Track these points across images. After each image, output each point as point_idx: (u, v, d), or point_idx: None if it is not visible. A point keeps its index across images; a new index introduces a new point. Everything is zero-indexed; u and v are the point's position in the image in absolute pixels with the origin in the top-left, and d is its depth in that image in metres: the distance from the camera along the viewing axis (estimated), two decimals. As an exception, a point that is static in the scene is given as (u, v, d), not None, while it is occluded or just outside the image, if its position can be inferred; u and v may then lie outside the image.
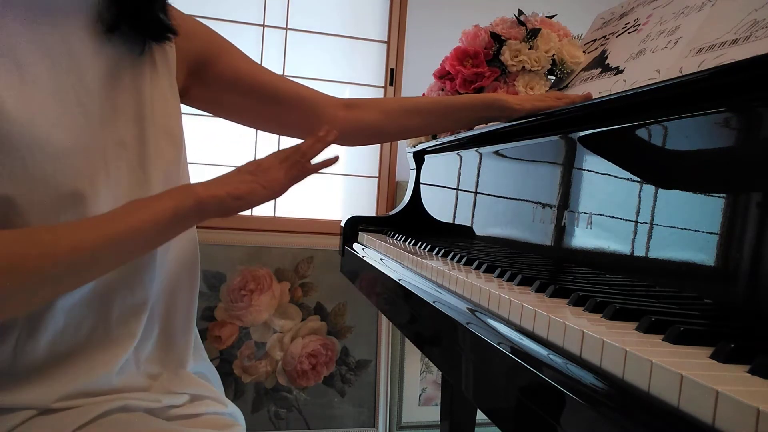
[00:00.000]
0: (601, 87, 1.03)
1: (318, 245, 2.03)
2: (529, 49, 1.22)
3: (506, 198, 1.03)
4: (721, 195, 0.57)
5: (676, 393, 0.34)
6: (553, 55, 1.21)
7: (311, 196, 2.14)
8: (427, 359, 2.09)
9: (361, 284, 1.24)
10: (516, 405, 0.51)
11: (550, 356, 0.47)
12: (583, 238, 0.78)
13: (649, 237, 0.66)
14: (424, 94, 1.43)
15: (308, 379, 2.00)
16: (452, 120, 1.07)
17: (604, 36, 1.20)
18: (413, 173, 1.50)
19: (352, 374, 2.05)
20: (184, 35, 0.74)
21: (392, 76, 2.19)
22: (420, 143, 1.44)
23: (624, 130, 0.74)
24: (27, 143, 0.55)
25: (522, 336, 0.52)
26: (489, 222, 1.10)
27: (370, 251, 1.20)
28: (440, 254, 0.96)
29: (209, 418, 0.73)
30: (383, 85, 2.22)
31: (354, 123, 0.95)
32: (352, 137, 0.98)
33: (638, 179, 0.70)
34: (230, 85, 0.84)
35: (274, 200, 1.73)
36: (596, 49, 1.19)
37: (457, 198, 1.25)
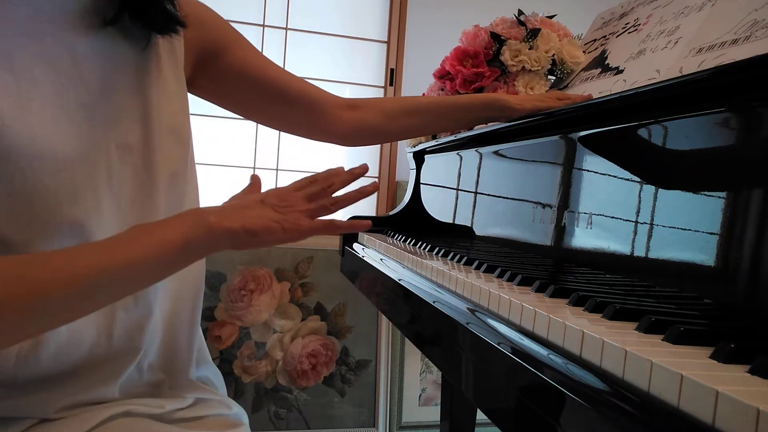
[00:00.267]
0: (601, 87, 1.03)
1: (318, 245, 2.03)
2: (529, 49, 1.22)
3: (506, 198, 1.03)
4: (721, 195, 0.57)
5: (676, 393, 0.34)
6: (553, 55, 1.21)
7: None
8: (427, 359, 2.09)
9: (361, 284, 1.24)
10: (516, 405, 0.51)
11: (550, 356, 0.47)
12: (583, 238, 0.78)
13: (649, 237, 0.66)
14: (424, 94, 1.43)
15: (308, 379, 2.00)
16: (453, 120, 1.07)
17: (604, 36, 1.20)
18: (413, 173, 1.50)
19: (352, 374, 2.05)
20: (192, 24, 0.69)
21: (392, 76, 2.19)
22: (420, 143, 1.44)
23: (624, 130, 0.74)
24: (25, 155, 0.52)
25: (522, 336, 0.52)
26: (489, 222, 1.10)
27: (370, 251, 1.20)
28: (440, 254, 0.96)
29: (213, 420, 0.72)
30: (383, 85, 2.22)
31: (356, 124, 0.95)
32: (353, 138, 0.98)
33: (638, 179, 0.70)
34: (238, 78, 0.81)
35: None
36: (596, 49, 1.19)
37: (457, 198, 1.25)
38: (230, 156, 2.11)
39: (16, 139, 0.52)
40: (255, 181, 0.74)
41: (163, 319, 0.70)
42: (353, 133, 0.96)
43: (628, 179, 0.72)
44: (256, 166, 2.14)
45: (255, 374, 1.96)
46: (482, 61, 1.25)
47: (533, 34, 1.23)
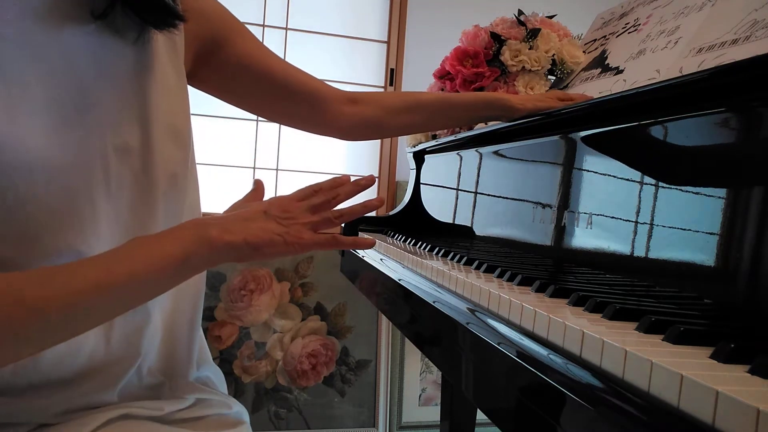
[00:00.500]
0: (601, 87, 1.03)
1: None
2: (529, 49, 1.23)
3: (506, 198, 1.03)
4: (721, 195, 0.57)
5: (676, 393, 0.34)
6: (553, 55, 1.21)
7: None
8: (427, 359, 2.09)
9: (361, 284, 1.24)
10: (516, 405, 0.51)
11: (550, 356, 0.47)
12: (583, 238, 0.78)
13: (649, 237, 0.66)
14: (424, 94, 1.43)
15: (308, 379, 2.00)
16: (453, 118, 1.06)
17: (604, 36, 1.20)
18: (413, 173, 1.50)
19: (352, 374, 2.05)
20: (193, 16, 0.66)
21: (392, 76, 2.19)
22: (420, 143, 1.44)
23: (624, 130, 0.74)
24: (17, 167, 0.50)
25: (522, 336, 0.52)
26: (489, 222, 1.10)
27: (370, 251, 1.20)
28: (440, 254, 0.96)
29: (213, 420, 0.72)
30: (383, 85, 2.22)
31: (356, 118, 0.94)
32: (353, 132, 0.97)
33: (638, 179, 0.70)
34: (240, 69, 0.79)
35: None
36: (596, 49, 1.19)
37: (457, 198, 1.25)
38: (230, 156, 2.11)
39: (6, 153, 0.49)
40: (258, 186, 0.73)
41: (163, 322, 0.69)
42: (353, 127, 0.95)
43: (628, 179, 0.72)
44: (256, 166, 2.14)
45: (255, 374, 1.96)
46: (482, 61, 1.25)
47: (533, 34, 1.23)
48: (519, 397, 0.50)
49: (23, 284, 0.47)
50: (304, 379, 2.00)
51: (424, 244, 1.08)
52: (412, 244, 1.14)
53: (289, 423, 1.98)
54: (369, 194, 2.30)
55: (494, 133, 1.09)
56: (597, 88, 1.05)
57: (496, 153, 1.10)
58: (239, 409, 0.77)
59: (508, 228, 1.01)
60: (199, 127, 2.01)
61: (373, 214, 2.16)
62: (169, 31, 0.61)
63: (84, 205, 0.55)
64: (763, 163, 0.54)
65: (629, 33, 1.09)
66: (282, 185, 2.17)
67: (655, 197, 0.66)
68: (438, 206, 1.37)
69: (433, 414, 2.08)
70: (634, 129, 0.72)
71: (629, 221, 0.69)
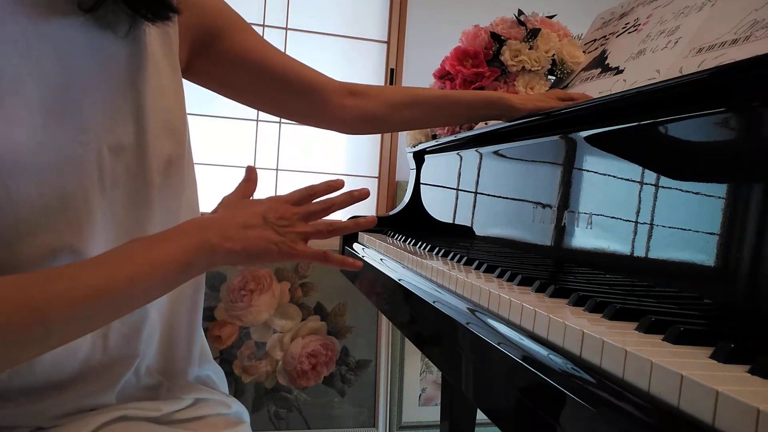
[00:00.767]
0: (601, 87, 1.03)
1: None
2: (529, 49, 1.23)
3: (506, 198, 1.03)
4: (721, 195, 0.57)
5: (676, 393, 0.34)
6: (553, 55, 1.21)
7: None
8: (427, 359, 2.09)
9: (361, 284, 1.24)
10: (516, 405, 0.51)
11: (550, 356, 0.47)
12: (583, 238, 0.78)
13: (649, 237, 0.66)
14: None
15: (308, 379, 2.00)
16: (454, 115, 1.06)
17: (604, 36, 1.20)
18: (413, 173, 1.50)
19: (352, 374, 2.05)
20: (187, 8, 0.65)
21: (392, 76, 2.19)
22: (420, 143, 1.44)
23: (624, 130, 0.74)
24: (9, 167, 0.49)
25: (522, 336, 0.52)
26: (489, 222, 1.10)
27: (370, 251, 1.20)
28: (440, 254, 0.96)
29: (213, 420, 0.71)
30: (383, 85, 2.22)
31: (357, 112, 0.93)
32: (353, 126, 0.97)
33: (638, 179, 0.70)
34: (237, 62, 0.78)
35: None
36: (596, 49, 1.19)
37: (457, 198, 1.25)
38: (230, 156, 2.11)
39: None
40: (251, 175, 0.72)
41: (162, 322, 0.68)
42: (354, 120, 0.94)
43: (628, 179, 0.72)
44: (256, 166, 2.14)
45: (255, 374, 1.96)
46: (482, 61, 1.25)
47: (533, 34, 1.23)
48: (519, 397, 0.50)
49: (24, 287, 0.47)
50: (304, 379, 2.00)
51: (424, 244, 1.08)
52: (412, 244, 1.14)
53: (289, 423, 1.98)
54: (370, 195, 2.30)
55: (494, 133, 1.09)
56: (597, 88, 1.05)
57: (496, 153, 1.10)
58: (239, 409, 0.76)
59: (508, 228, 1.01)
60: (199, 127, 2.01)
61: (373, 214, 2.16)
62: (164, 23, 0.60)
63: (79, 204, 0.55)
64: (763, 163, 0.54)
65: (629, 33, 1.09)
66: (282, 185, 2.17)
67: (655, 197, 0.66)
68: (438, 206, 1.37)
69: (433, 414, 2.08)
70: (634, 129, 0.72)
71: (629, 221, 0.69)
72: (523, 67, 1.22)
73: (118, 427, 0.63)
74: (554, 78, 1.26)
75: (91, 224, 0.56)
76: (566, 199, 0.83)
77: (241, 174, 0.73)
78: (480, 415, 1.57)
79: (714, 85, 0.60)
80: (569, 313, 0.52)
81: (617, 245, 0.71)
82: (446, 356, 0.72)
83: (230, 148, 2.11)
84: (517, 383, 0.50)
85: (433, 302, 0.73)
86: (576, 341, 0.45)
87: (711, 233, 0.57)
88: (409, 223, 1.44)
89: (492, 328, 0.57)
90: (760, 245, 0.52)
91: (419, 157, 1.48)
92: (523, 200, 0.96)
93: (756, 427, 0.29)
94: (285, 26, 2.13)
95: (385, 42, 2.21)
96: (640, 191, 0.68)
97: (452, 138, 1.26)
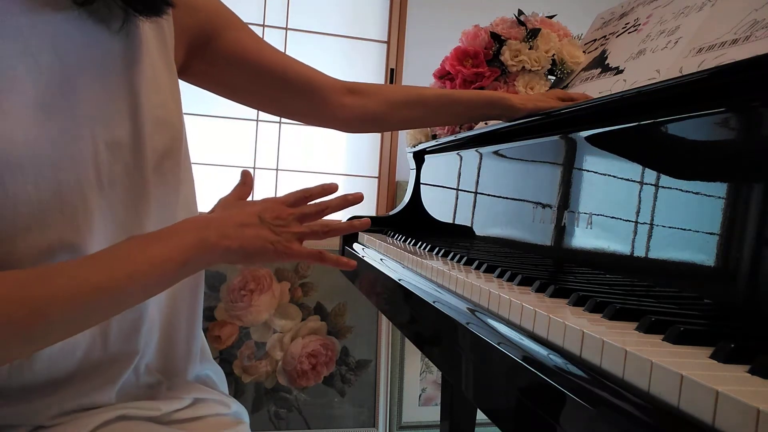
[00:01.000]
0: (601, 87, 1.03)
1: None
2: (529, 49, 1.23)
3: (506, 198, 1.03)
4: (721, 195, 0.57)
5: (676, 393, 0.34)
6: (553, 55, 1.21)
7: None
8: (427, 359, 2.09)
9: (361, 284, 1.24)
10: (516, 405, 0.51)
11: (550, 356, 0.47)
12: (583, 238, 0.78)
13: (649, 237, 0.66)
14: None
15: (308, 379, 2.00)
16: (454, 115, 1.06)
17: (604, 36, 1.20)
18: (413, 173, 1.50)
19: (352, 374, 2.05)
20: (185, 6, 0.66)
21: (392, 76, 2.19)
22: (420, 143, 1.44)
23: (624, 130, 0.74)
24: (6, 161, 0.49)
25: (522, 336, 0.52)
26: (489, 222, 1.10)
27: (370, 251, 1.20)
28: (440, 254, 0.96)
29: (212, 420, 0.71)
30: (383, 84, 2.22)
31: (357, 110, 0.93)
32: (353, 124, 0.96)
33: (638, 179, 0.70)
34: (234, 62, 0.78)
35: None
36: (596, 49, 1.19)
37: (457, 198, 1.25)
38: (230, 156, 2.11)
39: None
40: (246, 179, 0.73)
41: (161, 319, 0.69)
42: (354, 119, 0.94)
43: (628, 179, 0.72)
44: (256, 166, 2.14)
45: (255, 374, 1.96)
46: (482, 61, 1.25)
47: (533, 34, 1.23)
48: (519, 397, 0.50)
49: (25, 283, 0.47)
50: (304, 379, 2.00)
51: (424, 244, 1.08)
52: (412, 244, 1.14)
53: (289, 423, 1.98)
54: (369, 194, 2.30)
55: (494, 133, 1.09)
56: (597, 88, 1.05)
57: (496, 153, 1.10)
58: (238, 409, 0.76)
59: (508, 228, 1.01)
60: (199, 127, 2.01)
61: (373, 214, 2.16)
62: (158, 15, 0.60)
63: (76, 200, 0.55)
64: (763, 162, 0.54)
65: (629, 33, 1.09)
66: (282, 185, 2.17)
67: (655, 197, 0.66)
68: (438, 206, 1.37)
69: (433, 414, 2.08)
70: (634, 129, 0.72)
71: (629, 221, 0.69)
72: (523, 67, 1.22)
73: (117, 427, 0.63)
74: (554, 78, 1.26)
75: (89, 220, 0.56)
76: (566, 199, 0.83)
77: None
78: (480, 415, 1.57)
79: (714, 85, 0.60)
80: (569, 313, 0.52)
81: (617, 245, 0.71)
82: (446, 356, 0.72)
83: (230, 148, 2.11)
84: (517, 383, 0.50)
85: (433, 302, 0.73)
86: (576, 341, 0.45)
87: (711, 233, 0.57)
88: (409, 223, 1.44)
89: (492, 328, 0.57)
90: (760, 245, 0.52)
91: (419, 157, 1.48)
92: (523, 200, 0.96)
93: (756, 427, 0.29)
94: (285, 26, 2.13)
95: (385, 42, 2.21)
96: (640, 191, 0.68)
97: (452, 138, 1.26)
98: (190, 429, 0.69)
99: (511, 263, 0.84)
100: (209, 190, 1.88)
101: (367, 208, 2.22)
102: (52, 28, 0.54)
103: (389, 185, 2.22)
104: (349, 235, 1.39)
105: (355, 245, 1.34)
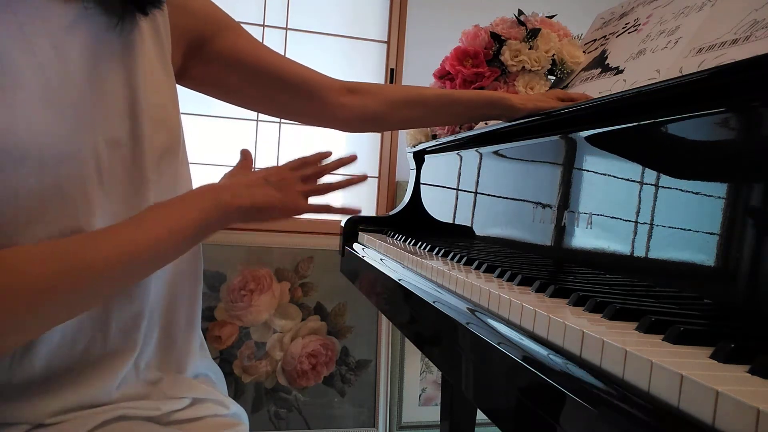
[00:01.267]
0: (601, 87, 1.03)
1: (318, 245, 2.03)
2: (529, 49, 1.23)
3: (506, 198, 1.03)
4: (721, 195, 0.57)
5: (676, 393, 0.34)
6: (553, 55, 1.21)
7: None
8: (427, 359, 2.09)
9: (361, 284, 1.24)
10: (516, 405, 0.51)
11: (550, 356, 0.47)
12: (583, 238, 0.78)
13: (649, 237, 0.66)
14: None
15: (308, 379, 2.00)
16: (454, 114, 1.05)
17: (604, 36, 1.20)
18: (413, 173, 1.50)
19: (352, 374, 2.05)
20: (181, 9, 0.68)
21: (392, 76, 2.19)
22: (420, 143, 1.44)
23: (624, 130, 0.74)
24: (11, 153, 0.50)
25: (522, 336, 0.52)
26: (489, 222, 1.10)
27: (370, 251, 1.20)
28: (440, 254, 0.96)
29: (211, 421, 0.71)
30: (383, 83, 2.22)
31: (356, 110, 0.93)
32: (353, 124, 0.96)
33: (638, 179, 0.70)
34: (230, 64, 0.79)
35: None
36: (596, 49, 1.19)
37: (457, 198, 1.25)
38: (230, 156, 2.11)
39: (1, 139, 0.50)
40: (246, 155, 0.79)
41: (160, 314, 0.69)
42: (354, 119, 0.94)
43: (628, 179, 0.72)
44: (256, 167, 2.14)
45: (255, 374, 1.96)
46: (482, 61, 1.25)
47: (533, 34, 1.23)
48: (519, 397, 0.50)
49: (53, 251, 0.51)
50: (304, 379, 2.00)
51: (424, 244, 1.08)
52: (412, 244, 1.14)
53: (289, 423, 1.98)
54: (369, 194, 2.30)
55: (494, 133, 1.09)
56: (597, 88, 1.05)
57: (496, 153, 1.10)
58: (237, 410, 0.76)
59: (508, 228, 1.01)
60: (199, 127, 2.01)
61: (373, 214, 2.16)
62: (155, 15, 0.64)
63: (77, 196, 0.56)
64: (763, 162, 0.54)
65: (629, 33, 1.09)
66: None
67: (655, 197, 0.66)
68: (438, 206, 1.37)
69: (433, 414, 2.08)
70: (634, 129, 0.72)
71: (629, 221, 0.69)
72: (523, 67, 1.22)
73: (117, 427, 0.63)
74: (554, 78, 1.26)
75: (90, 216, 0.58)
76: (566, 199, 0.83)
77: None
78: (480, 415, 1.57)
79: (714, 85, 0.60)
80: (569, 313, 0.52)
81: (617, 245, 0.71)
82: (446, 356, 0.72)
83: (230, 148, 2.11)
84: (517, 383, 0.50)
85: (433, 302, 0.73)
86: (576, 341, 0.45)
87: (711, 233, 0.57)
88: (409, 223, 1.44)
89: (492, 328, 0.57)
90: (760, 245, 0.52)
91: (419, 157, 1.48)
92: (523, 200, 0.96)
93: (756, 427, 0.29)
94: (285, 26, 2.13)
95: (385, 42, 2.21)
96: (640, 191, 0.68)
97: (452, 138, 1.26)
98: (189, 429, 0.69)
99: (511, 263, 0.84)
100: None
101: (367, 208, 2.22)
102: (53, 24, 0.55)
103: (389, 185, 2.22)
104: (349, 235, 1.39)
105: (355, 245, 1.34)
